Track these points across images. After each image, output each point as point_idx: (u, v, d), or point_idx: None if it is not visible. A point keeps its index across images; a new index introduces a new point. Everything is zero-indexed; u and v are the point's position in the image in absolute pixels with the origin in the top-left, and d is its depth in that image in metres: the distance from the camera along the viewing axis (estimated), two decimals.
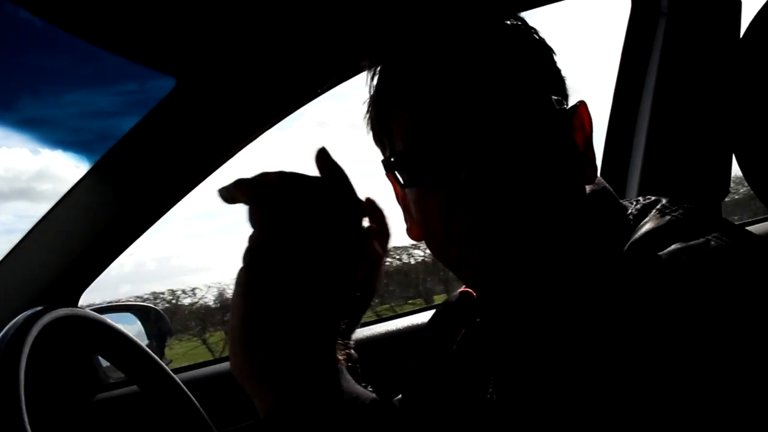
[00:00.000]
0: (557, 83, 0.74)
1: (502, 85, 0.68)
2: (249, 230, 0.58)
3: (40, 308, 0.97)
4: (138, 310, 1.80)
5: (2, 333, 0.86)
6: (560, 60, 0.76)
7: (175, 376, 1.13)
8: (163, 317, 1.85)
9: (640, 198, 0.75)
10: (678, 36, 1.50)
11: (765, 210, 1.00)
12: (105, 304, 1.69)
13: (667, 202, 0.71)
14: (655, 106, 1.52)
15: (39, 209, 1.25)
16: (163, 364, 1.11)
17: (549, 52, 0.75)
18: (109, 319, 1.71)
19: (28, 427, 0.74)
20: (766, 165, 0.95)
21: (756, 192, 0.98)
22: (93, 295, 1.46)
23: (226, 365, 1.62)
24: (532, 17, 0.79)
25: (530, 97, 0.69)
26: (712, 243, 0.60)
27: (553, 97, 0.70)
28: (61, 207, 1.38)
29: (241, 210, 0.59)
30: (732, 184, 1.50)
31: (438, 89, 0.69)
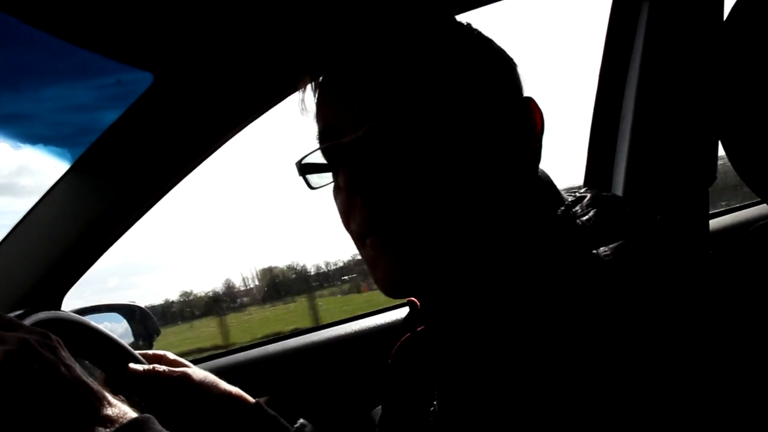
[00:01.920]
0: (478, 80, 0.71)
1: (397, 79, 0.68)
2: None
3: (20, 312, 0.95)
4: (124, 309, 1.78)
5: None
6: (494, 54, 0.74)
7: (139, 355, 1.11)
8: (149, 315, 1.83)
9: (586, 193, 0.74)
10: (661, 22, 1.49)
11: (752, 195, 1.00)
12: (90, 305, 1.67)
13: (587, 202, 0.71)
14: (639, 94, 1.51)
15: (22, 204, 1.24)
16: (135, 353, 1.09)
17: (475, 46, 0.73)
18: (95, 319, 1.71)
19: None
20: (751, 150, 0.95)
21: (742, 178, 0.98)
22: (81, 288, 1.44)
23: (230, 358, 1.62)
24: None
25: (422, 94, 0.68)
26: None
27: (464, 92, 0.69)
28: (41, 207, 1.36)
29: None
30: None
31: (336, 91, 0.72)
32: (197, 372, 1.07)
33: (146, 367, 1.04)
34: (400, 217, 0.67)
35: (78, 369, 0.72)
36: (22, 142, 1.40)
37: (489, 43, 0.75)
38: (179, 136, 1.33)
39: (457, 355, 0.67)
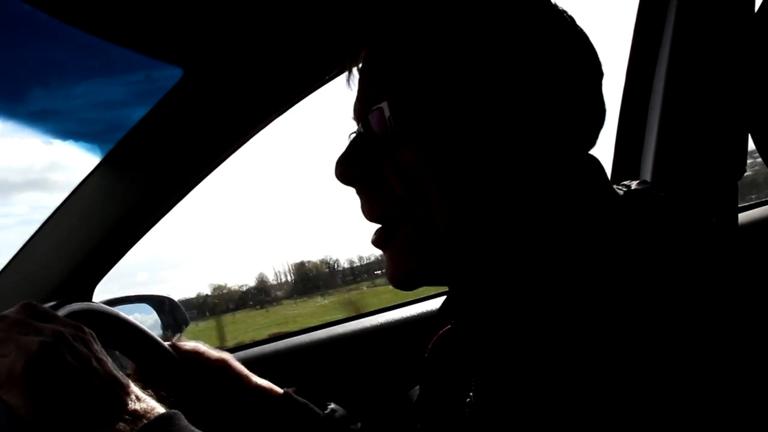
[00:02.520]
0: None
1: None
2: None
3: (53, 303, 0.97)
4: (153, 300, 1.80)
5: None
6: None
7: (166, 345, 1.12)
8: (178, 307, 1.84)
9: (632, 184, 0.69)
10: (691, 12, 1.47)
11: None
12: (120, 296, 1.69)
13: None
14: (668, 85, 1.49)
15: (53, 199, 1.26)
16: (165, 345, 1.10)
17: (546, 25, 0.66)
18: (124, 310, 1.73)
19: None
20: None
21: None
22: (110, 283, 1.47)
23: (260, 349, 1.62)
24: None
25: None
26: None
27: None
28: (71, 200, 1.38)
29: None
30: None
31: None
32: (235, 361, 1.08)
33: (191, 346, 1.06)
34: (417, 213, 0.65)
35: (110, 363, 0.73)
36: (54, 138, 1.42)
37: (559, 17, 0.67)
38: (208, 130, 1.34)
39: (491, 348, 0.64)
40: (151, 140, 1.35)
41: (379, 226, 0.71)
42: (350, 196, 0.73)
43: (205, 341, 1.11)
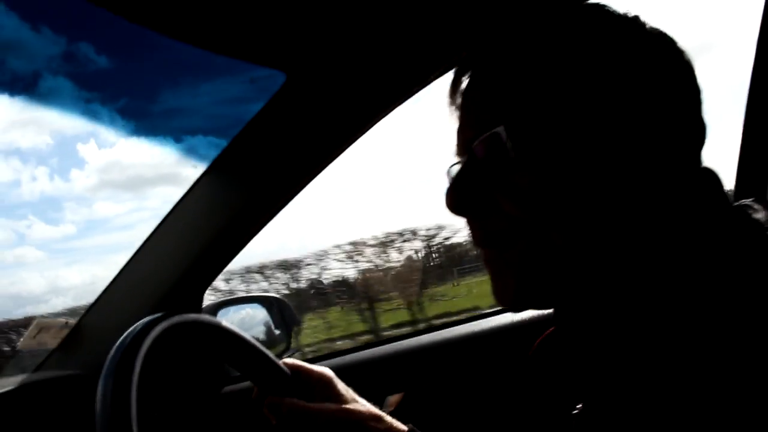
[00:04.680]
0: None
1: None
2: None
3: (160, 314, 0.98)
4: (263, 300, 1.83)
5: (118, 342, 0.87)
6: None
7: (281, 364, 1.11)
8: (288, 306, 1.86)
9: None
10: None
11: None
12: (229, 298, 1.73)
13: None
14: None
15: (182, 193, 1.33)
16: (278, 362, 1.09)
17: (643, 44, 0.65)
18: (234, 311, 1.77)
19: None
20: None
21: None
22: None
23: (357, 355, 1.61)
24: None
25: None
26: None
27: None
28: (179, 208, 1.42)
29: None
30: None
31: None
32: (340, 382, 1.05)
33: (297, 363, 1.04)
34: (518, 235, 0.64)
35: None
36: (183, 134, 1.47)
37: (661, 38, 0.67)
38: (312, 134, 1.33)
39: (602, 363, 0.64)
40: (256, 145, 1.36)
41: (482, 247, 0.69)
42: None
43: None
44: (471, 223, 0.70)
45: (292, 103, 1.30)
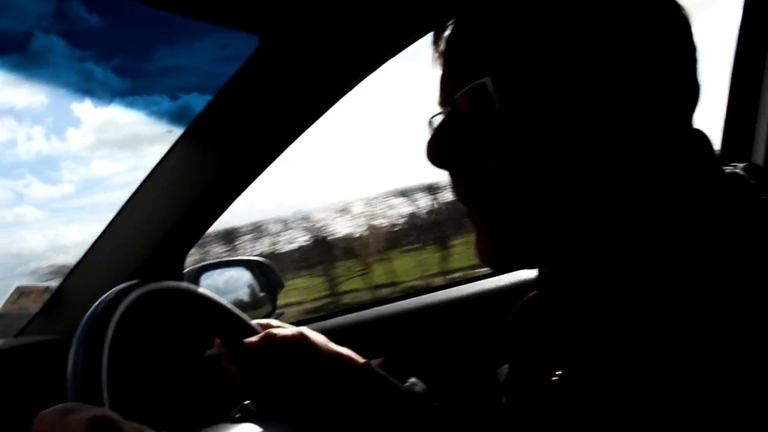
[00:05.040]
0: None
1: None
2: None
3: (136, 281, 0.97)
4: (247, 263, 1.83)
5: (90, 310, 0.87)
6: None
7: (254, 324, 1.12)
8: (272, 270, 1.86)
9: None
10: None
11: None
12: (212, 261, 1.72)
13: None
14: None
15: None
16: (251, 322, 1.11)
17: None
18: (218, 274, 1.77)
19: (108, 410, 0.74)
20: None
21: None
22: None
23: (338, 320, 1.62)
24: None
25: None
26: None
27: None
28: (157, 173, 1.40)
29: None
30: None
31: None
32: (312, 333, 1.08)
33: (260, 335, 1.06)
34: (505, 188, 0.63)
35: None
36: (179, 92, 1.45)
37: None
38: (288, 98, 1.32)
39: (583, 327, 0.63)
40: (233, 109, 1.35)
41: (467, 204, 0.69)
42: None
43: None
44: (453, 178, 0.68)
45: (267, 67, 1.29)
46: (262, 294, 1.81)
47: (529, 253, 0.65)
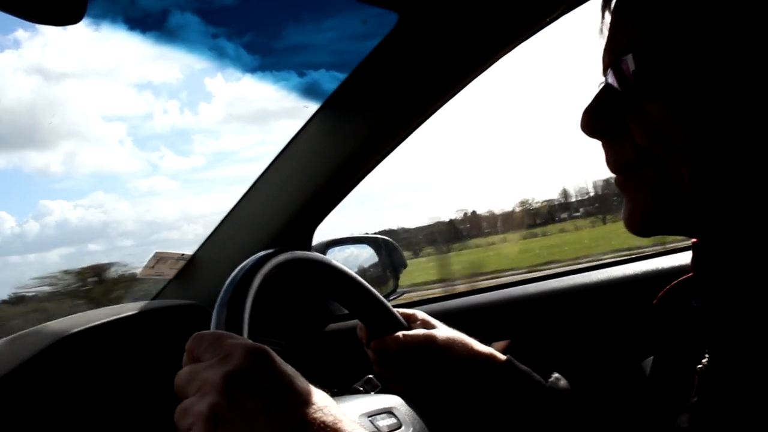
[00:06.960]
0: None
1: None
2: None
3: (271, 251, 0.98)
4: (372, 241, 1.83)
5: (232, 275, 0.88)
6: None
7: (397, 312, 1.11)
8: (396, 248, 1.86)
9: None
10: None
11: None
12: (338, 237, 1.74)
13: None
14: None
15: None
16: (385, 301, 1.09)
17: None
18: (342, 250, 1.78)
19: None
20: None
21: None
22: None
23: (461, 301, 1.59)
24: None
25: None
26: None
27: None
28: (292, 146, 1.42)
29: None
30: None
31: None
32: (443, 333, 1.06)
33: (392, 343, 1.05)
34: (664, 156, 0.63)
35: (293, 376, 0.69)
36: (306, 69, 1.47)
37: None
38: (424, 75, 1.31)
39: (736, 315, 0.61)
40: (369, 86, 1.35)
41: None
42: None
43: None
44: (604, 147, 0.70)
45: (406, 44, 1.27)
46: (388, 273, 1.82)
47: (674, 221, 0.65)
